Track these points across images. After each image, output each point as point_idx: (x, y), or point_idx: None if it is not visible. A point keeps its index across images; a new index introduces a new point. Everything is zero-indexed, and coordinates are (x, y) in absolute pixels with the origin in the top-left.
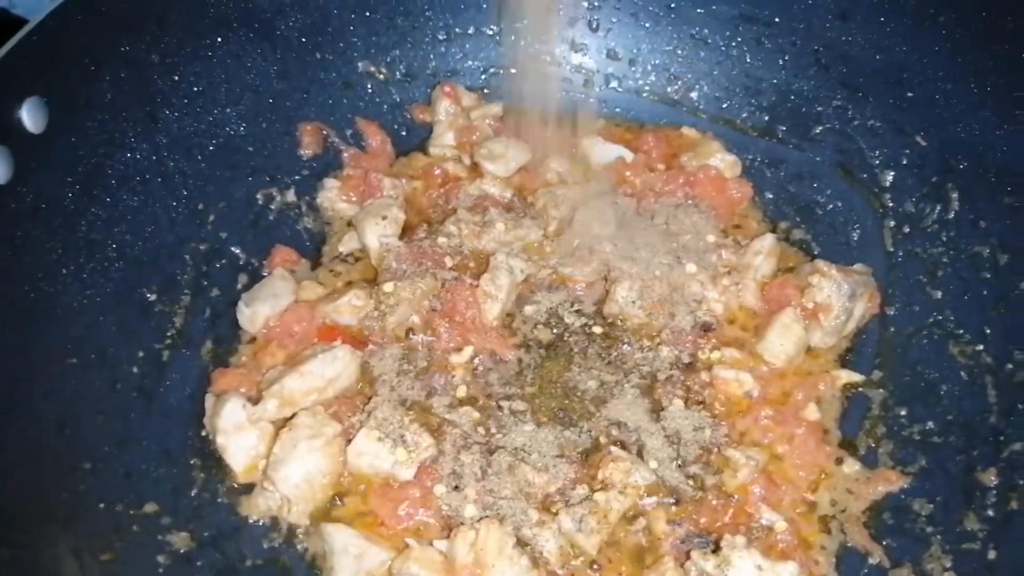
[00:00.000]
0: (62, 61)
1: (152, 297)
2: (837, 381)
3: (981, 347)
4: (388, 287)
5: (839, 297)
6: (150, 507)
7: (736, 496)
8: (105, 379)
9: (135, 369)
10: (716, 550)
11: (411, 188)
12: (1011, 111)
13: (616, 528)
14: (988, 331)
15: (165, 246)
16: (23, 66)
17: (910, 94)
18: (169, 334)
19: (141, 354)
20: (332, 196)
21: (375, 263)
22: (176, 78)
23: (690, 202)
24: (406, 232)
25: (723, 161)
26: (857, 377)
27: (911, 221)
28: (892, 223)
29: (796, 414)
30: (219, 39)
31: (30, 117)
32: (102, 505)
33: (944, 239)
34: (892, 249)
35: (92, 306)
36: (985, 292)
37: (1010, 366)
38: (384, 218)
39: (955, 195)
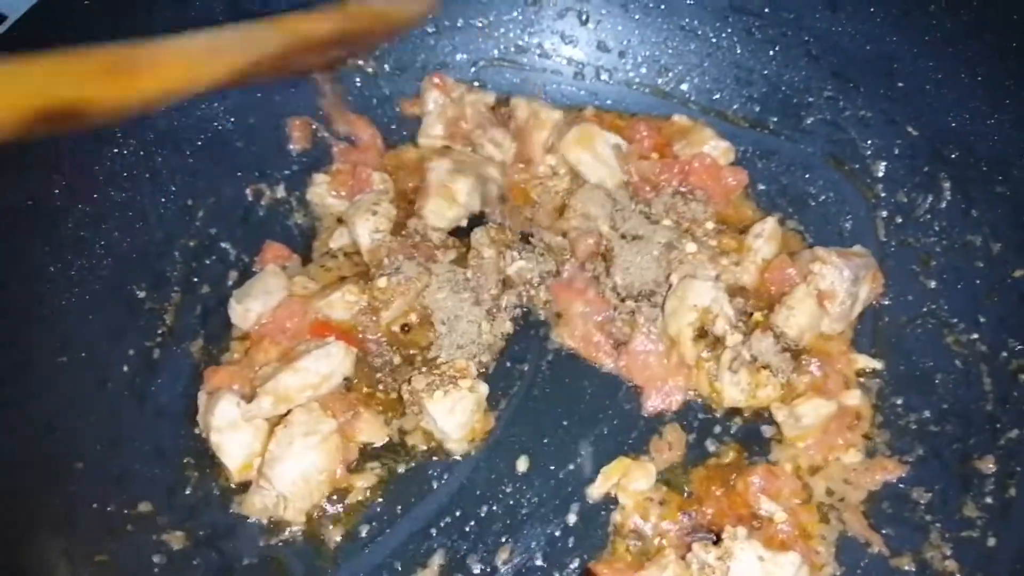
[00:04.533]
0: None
1: (141, 295)
2: (853, 365)
3: (976, 336)
4: (382, 283)
5: (842, 282)
6: (144, 507)
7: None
8: (95, 378)
9: (125, 368)
10: (717, 542)
11: (403, 181)
12: (1002, 100)
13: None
14: (982, 320)
15: (154, 243)
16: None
17: (901, 84)
18: (160, 332)
19: (131, 352)
20: (321, 192)
21: (367, 259)
22: None
23: (684, 189)
24: (398, 226)
25: (716, 148)
26: (875, 363)
27: (903, 211)
28: (884, 213)
29: None
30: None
31: None
32: (95, 506)
33: (937, 229)
34: (885, 239)
35: (80, 304)
36: (978, 281)
37: (1004, 354)
38: (374, 213)
39: (947, 185)
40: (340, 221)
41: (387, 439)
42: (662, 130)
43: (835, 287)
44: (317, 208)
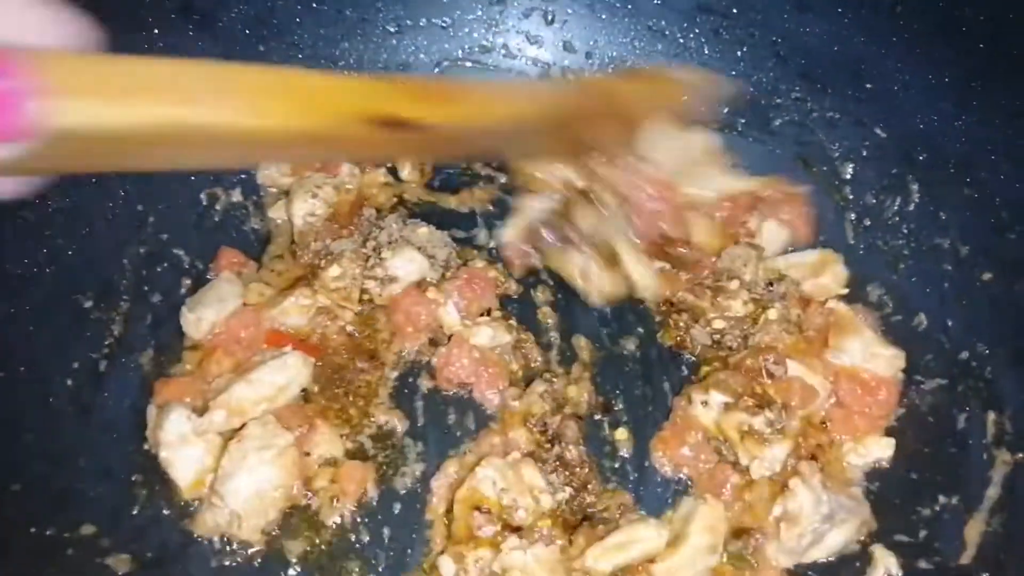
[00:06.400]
0: None
1: (88, 304)
2: None
3: (944, 339)
4: (334, 271)
5: (813, 514)
6: (87, 529)
7: None
8: (36, 393)
9: (70, 381)
10: None
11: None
12: (969, 102)
13: None
14: (950, 323)
15: (101, 250)
16: None
17: (868, 85)
18: (107, 343)
19: (76, 365)
20: (272, 173)
21: (297, 240)
22: None
23: None
24: (337, 216)
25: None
26: None
27: (872, 214)
28: (853, 216)
29: None
30: (156, 31)
31: None
32: (32, 530)
33: (905, 231)
34: (853, 242)
35: (21, 315)
36: (946, 284)
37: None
38: (314, 196)
39: (915, 187)
40: (285, 194)
41: (345, 452)
42: None
43: (801, 514)
44: (268, 193)
